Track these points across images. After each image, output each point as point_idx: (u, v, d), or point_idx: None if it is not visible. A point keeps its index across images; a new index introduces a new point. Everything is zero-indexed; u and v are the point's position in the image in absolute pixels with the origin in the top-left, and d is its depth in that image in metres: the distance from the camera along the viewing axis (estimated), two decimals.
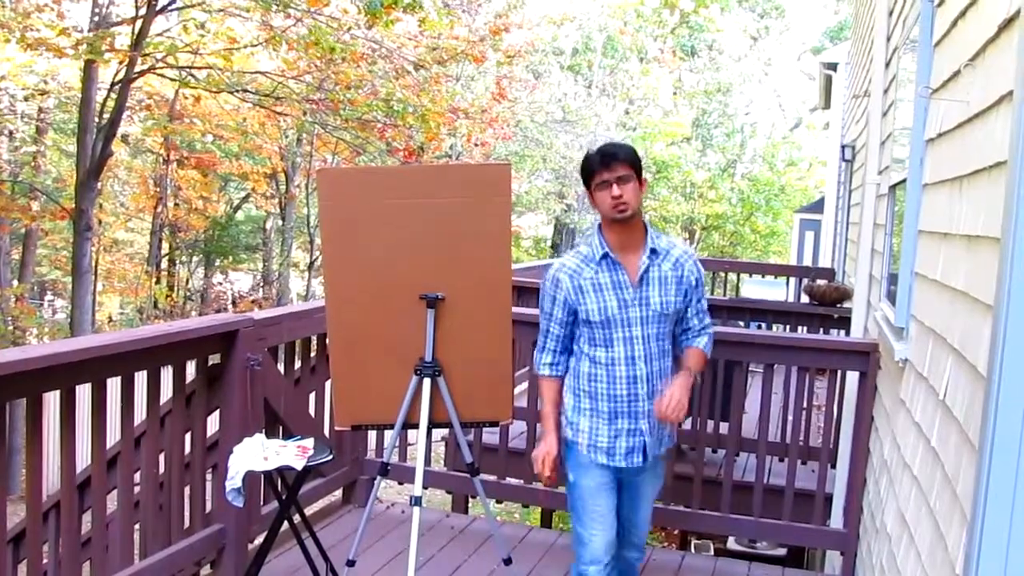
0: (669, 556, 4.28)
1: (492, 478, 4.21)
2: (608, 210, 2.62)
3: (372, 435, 4.44)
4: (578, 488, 2.77)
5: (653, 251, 2.70)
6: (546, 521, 6.61)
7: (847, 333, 5.59)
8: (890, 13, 4.65)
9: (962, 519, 1.76)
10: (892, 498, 2.91)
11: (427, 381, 3.07)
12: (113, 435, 2.94)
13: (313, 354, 4.01)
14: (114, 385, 2.87)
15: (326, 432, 4.07)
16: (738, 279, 9.78)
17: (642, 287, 2.68)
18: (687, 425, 4.17)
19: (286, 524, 3.23)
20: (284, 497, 3.19)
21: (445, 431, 3.83)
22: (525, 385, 4.53)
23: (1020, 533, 1.48)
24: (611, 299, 2.66)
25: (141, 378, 3.00)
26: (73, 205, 10.81)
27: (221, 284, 23.10)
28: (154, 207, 18.40)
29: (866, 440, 3.71)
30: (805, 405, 4.69)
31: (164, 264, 20.29)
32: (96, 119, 10.80)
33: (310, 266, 19.83)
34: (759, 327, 7.08)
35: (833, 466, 4.43)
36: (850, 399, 4.05)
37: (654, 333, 2.69)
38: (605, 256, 2.68)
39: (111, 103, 10.76)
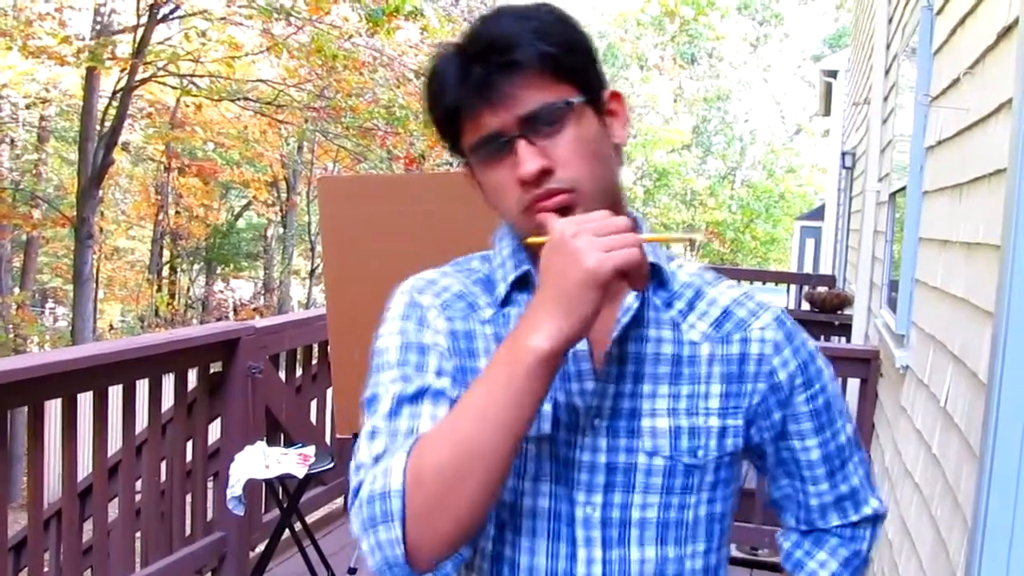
0: None
1: None
2: (514, 212, 0.97)
3: None
4: None
5: (656, 282, 1.02)
6: None
7: (848, 340, 5.59)
8: (890, 21, 4.67)
9: (963, 527, 1.76)
10: (893, 505, 2.90)
11: None
12: (114, 443, 2.94)
13: (314, 362, 4.01)
14: (115, 393, 2.86)
15: (328, 440, 4.07)
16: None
17: (622, 378, 0.98)
18: None
19: (287, 532, 3.23)
20: (285, 505, 3.19)
21: None
22: None
23: (1021, 540, 1.48)
24: None
25: (142, 386, 3.00)
26: (74, 213, 10.82)
27: (222, 292, 23.10)
28: (155, 215, 18.41)
29: (867, 447, 3.71)
30: None
31: (165, 272, 20.29)
32: (97, 127, 10.82)
33: (311, 274, 19.83)
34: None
35: None
36: (851, 406, 4.05)
37: (653, 519, 0.98)
38: (526, 282, 1.03)
39: (112, 111, 10.79)
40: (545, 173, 0.92)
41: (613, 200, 0.98)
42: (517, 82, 0.92)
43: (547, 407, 0.97)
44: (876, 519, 1.13)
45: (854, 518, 1.11)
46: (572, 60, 0.95)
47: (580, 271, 0.82)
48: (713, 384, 1.00)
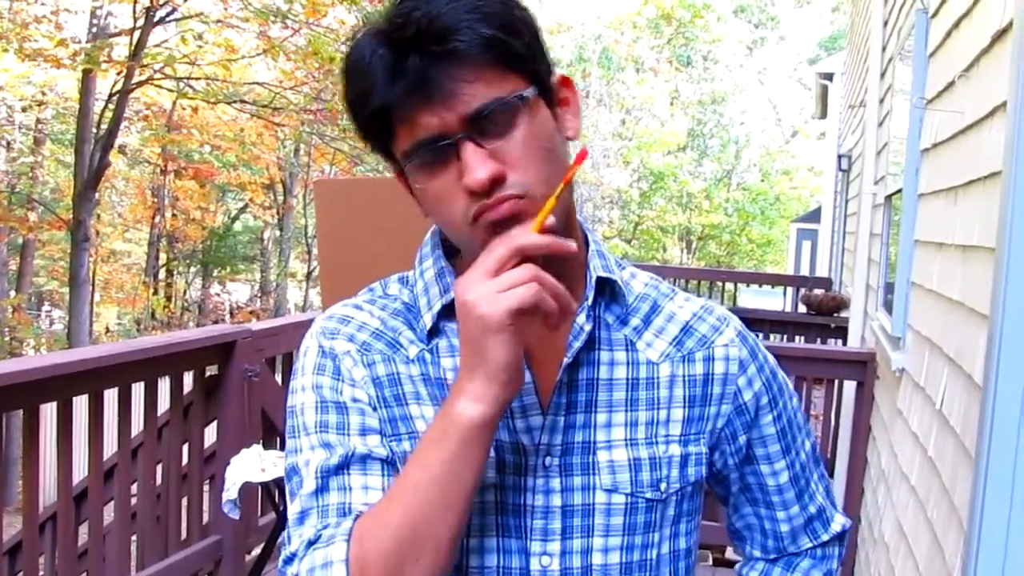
0: None
1: None
2: (460, 224, 0.82)
3: None
4: None
5: (608, 297, 0.93)
6: None
7: (844, 342, 5.60)
8: (885, 24, 4.68)
9: (959, 529, 1.77)
10: (890, 508, 2.90)
11: None
12: (110, 446, 2.93)
13: None
14: (111, 396, 2.86)
15: None
16: (735, 289, 9.80)
17: (573, 408, 0.89)
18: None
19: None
20: (281, 508, 3.18)
21: None
22: None
23: (1016, 542, 1.48)
24: None
25: (138, 389, 3.00)
26: (71, 216, 10.82)
27: (219, 295, 23.07)
28: (152, 218, 18.41)
29: (863, 450, 3.71)
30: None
31: (162, 275, 20.27)
32: (94, 130, 10.82)
33: (308, 276, 19.83)
34: (756, 337, 7.10)
35: (831, 476, 4.43)
36: (847, 409, 4.06)
37: (616, 564, 0.90)
38: (453, 315, 0.83)
39: (109, 114, 10.79)
40: (496, 180, 0.79)
41: (566, 204, 0.86)
42: (459, 75, 0.78)
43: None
44: (843, 535, 1.09)
45: (825, 537, 1.06)
46: (520, 45, 0.80)
47: (474, 323, 0.75)
48: (674, 408, 0.92)
